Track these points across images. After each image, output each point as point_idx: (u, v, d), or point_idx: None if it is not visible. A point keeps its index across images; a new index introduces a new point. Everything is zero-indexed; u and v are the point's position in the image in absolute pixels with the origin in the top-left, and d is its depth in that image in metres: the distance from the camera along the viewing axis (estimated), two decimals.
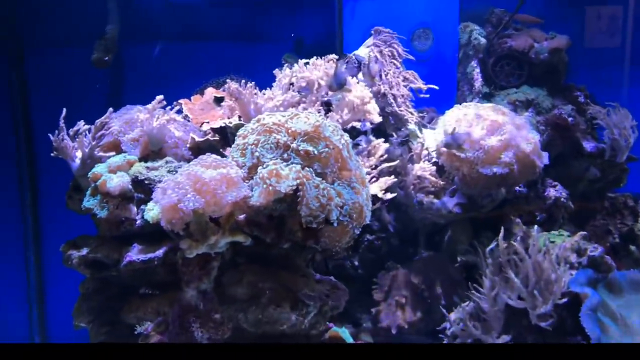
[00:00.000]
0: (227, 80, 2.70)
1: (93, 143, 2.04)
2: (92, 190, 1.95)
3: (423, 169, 2.17)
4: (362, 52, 2.49)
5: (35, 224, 2.74)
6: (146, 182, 1.88)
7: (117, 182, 1.90)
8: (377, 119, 2.22)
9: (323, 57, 2.25)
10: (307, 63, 2.24)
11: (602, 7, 2.72)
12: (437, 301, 2.19)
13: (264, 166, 1.68)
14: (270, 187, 1.61)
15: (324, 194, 1.62)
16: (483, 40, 2.66)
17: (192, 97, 2.64)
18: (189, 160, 2.07)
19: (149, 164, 1.96)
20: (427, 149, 2.24)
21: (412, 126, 2.38)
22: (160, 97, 2.07)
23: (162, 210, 1.58)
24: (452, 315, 2.10)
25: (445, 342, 2.09)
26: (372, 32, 2.54)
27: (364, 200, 1.72)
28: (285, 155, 1.72)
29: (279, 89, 2.25)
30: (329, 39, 2.90)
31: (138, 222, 1.94)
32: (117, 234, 1.96)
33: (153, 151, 2.08)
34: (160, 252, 1.84)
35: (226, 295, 1.75)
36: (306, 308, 1.71)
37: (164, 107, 2.17)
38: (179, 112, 2.26)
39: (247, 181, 1.70)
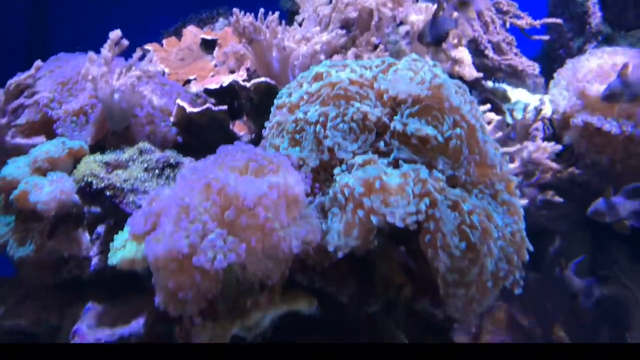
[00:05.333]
0: (219, 13, 1.82)
1: (2, 122, 1.15)
2: (4, 207, 1.08)
3: (542, 149, 1.40)
4: None
5: None
6: (108, 193, 1.02)
7: (49, 193, 1.03)
8: (473, 73, 1.42)
9: None
10: None
11: None
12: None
13: (344, 165, 0.87)
14: (374, 215, 0.80)
15: (472, 224, 0.82)
16: None
17: (163, 41, 1.74)
18: (176, 146, 1.22)
19: (110, 157, 1.09)
20: (544, 118, 1.46)
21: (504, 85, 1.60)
22: (116, 33, 1.18)
23: (156, 265, 0.74)
24: None
25: None
26: None
27: (524, 227, 0.94)
28: (381, 145, 0.90)
29: (314, 23, 1.40)
30: None
31: (94, 261, 1.09)
32: (54, 281, 1.11)
33: (114, 132, 1.20)
34: (139, 324, 1.00)
35: None
36: None
37: (125, 56, 1.28)
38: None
39: (309, 196, 0.88)
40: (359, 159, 0.86)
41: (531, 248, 0.95)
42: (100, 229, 1.14)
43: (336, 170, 0.88)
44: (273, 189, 0.77)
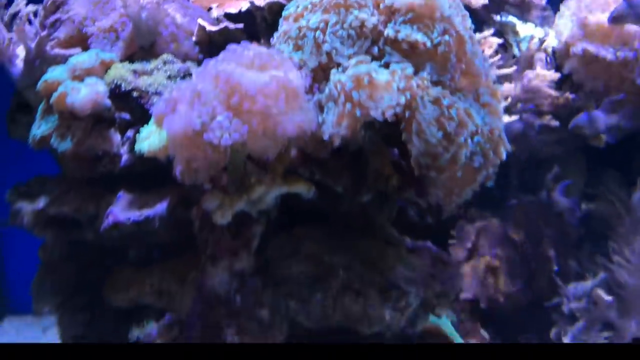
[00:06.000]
0: None
1: (43, 34, 1.29)
2: (45, 109, 1.23)
3: (541, 76, 1.47)
4: None
5: None
6: (134, 94, 1.16)
7: (86, 94, 1.18)
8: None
9: None
10: None
11: None
12: (547, 265, 1.59)
13: (341, 68, 0.98)
14: (360, 108, 0.91)
15: (450, 116, 0.93)
16: None
17: None
18: (198, 62, 1.34)
19: (137, 66, 1.23)
20: (546, 49, 1.53)
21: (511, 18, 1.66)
22: None
23: (173, 141, 0.88)
24: (572, 288, 1.52)
25: (559, 322, 1.52)
26: None
27: (503, 126, 1.04)
28: (375, 51, 1.01)
29: None
30: None
31: (124, 157, 1.24)
32: (91, 175, 1.27)
33: (142, 48, 1.33)
34: (162, 207, 1.16)
35: (274, 276, 1.10)
36: (405, 298, 1.08)
37: None
38: None
39: (308, 94, 1.00)
40: (352, 61, 0.97)
41: (508, 147, 1.05)
42: (130, 132, 1.28)
43: (333, 72, 0.99)
44: (273, 80, 0.89)
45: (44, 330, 1.96)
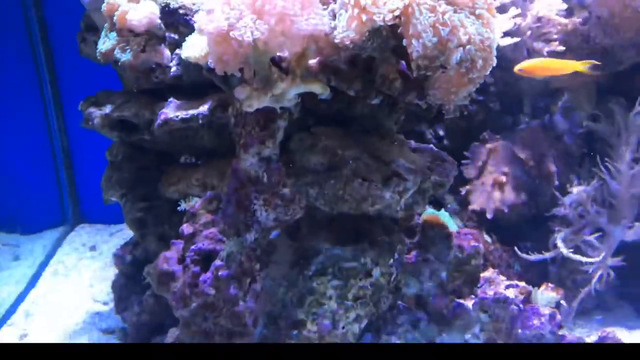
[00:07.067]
0: None
1: None
2: (109, 28, 1.47)
3: (549, 5, 1.59)
4: None
5: (52, 79, 2.28)
6: (181, 11, 1.38)
7: (142, 13, 1.40)
8: None
9: None
10: None
11: None
12: (549, 180, 1.74)
13: None
14: (365, 14, 1.09)
15: (444, 21, 1.10)
16: None
17: None
18: None
19: None
20: None
21: None
22: None
23: (209, 40, 1.09)
24: (568, 198, 1.66)
25: (555, 229, 1.68)
26: None
27: (494, 37, 1.19)
28: None
29: None
30: None
31: (173, 69, 1.47)
32: (147, 86, 1.51)
33: None
34: (205, 108, 1.39)
35: (295, 165, 1.32)
36: (403, 184, 1.28)
37: None
38: None
39: (324, 5, 1.19)
40: None
41: (494, 62, 1.19)
42: (178, 50, 1.50)
43: None
44: None
45: (110, 235, 2.28)
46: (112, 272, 1.72)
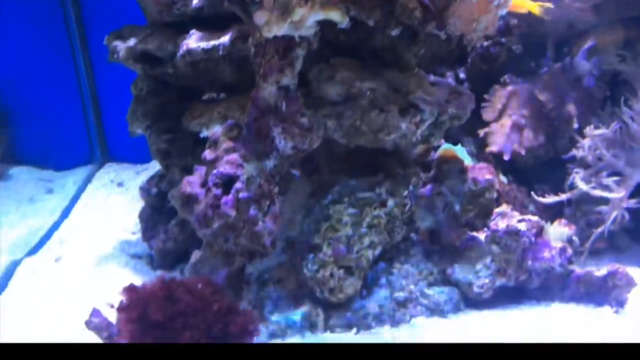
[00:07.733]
0: None
1: None
2: None
3: None
4: None
5: (77, 16, 2.33)
6: None
7: None
8: None
9: None
10: None
11: None
12: (568, 124, 1.74)
13: None
14: None
15: None
16: None
17: None
18: None
19: None
20: None
21: None
22: None
23: None
24: (586, 141, 1.66)
25: (573, 169, 1.68)
26: None
27: None
28: None
29: None
30: None
31: (195, 1, 1.50)
32: (169, 19, 1.54)
33: None
34: (226, 39, 1.42)
35: (313, 96, 1.35)
36: (420, 114, 1.30)
37: None
38: None
39: None
40: None
41: None
42: None
43: None
44: None
45: (137, 173, 2.37)
46: (139, 205, 1.80)
